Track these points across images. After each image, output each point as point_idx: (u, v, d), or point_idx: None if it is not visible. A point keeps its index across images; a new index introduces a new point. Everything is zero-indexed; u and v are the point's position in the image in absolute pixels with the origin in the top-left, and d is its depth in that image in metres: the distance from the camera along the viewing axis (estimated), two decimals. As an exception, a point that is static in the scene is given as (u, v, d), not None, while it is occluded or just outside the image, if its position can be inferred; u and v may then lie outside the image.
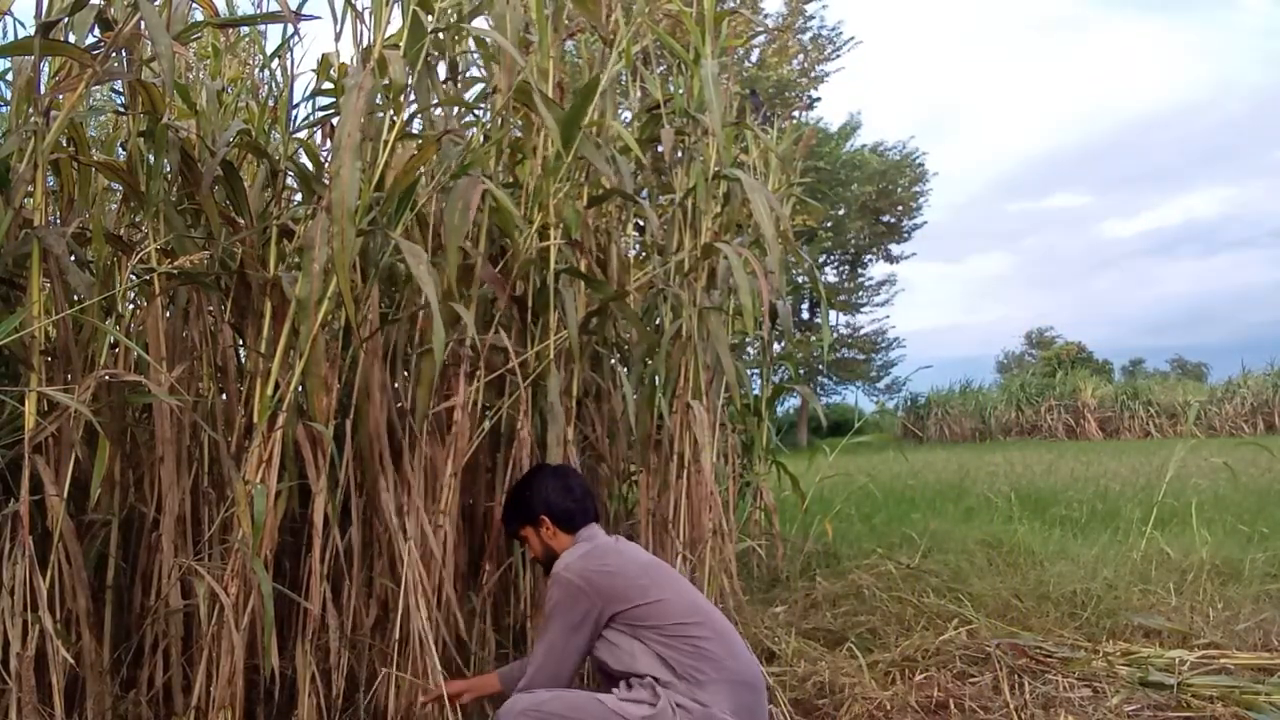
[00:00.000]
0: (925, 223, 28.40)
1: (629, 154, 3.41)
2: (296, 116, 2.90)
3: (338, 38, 2.54)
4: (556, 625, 2.18)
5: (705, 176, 3.56)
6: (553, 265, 2.97)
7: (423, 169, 2.62)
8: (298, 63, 2.81)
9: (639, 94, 3.94)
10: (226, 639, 2.15)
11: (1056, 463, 11.81)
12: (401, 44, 2.42)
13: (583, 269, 3.16)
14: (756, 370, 5.25)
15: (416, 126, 2.84)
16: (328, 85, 2.92)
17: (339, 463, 2.43)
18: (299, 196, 2.89)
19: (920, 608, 3.74)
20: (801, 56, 24.30)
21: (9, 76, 2.47)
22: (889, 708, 2.81)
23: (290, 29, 2.59)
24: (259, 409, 2.27)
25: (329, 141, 2.92)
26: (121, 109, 2.63)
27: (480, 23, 2.92)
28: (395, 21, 2.47)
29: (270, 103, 2.95)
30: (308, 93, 2.99)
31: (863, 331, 28.54)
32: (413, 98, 2.57)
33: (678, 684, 2.08)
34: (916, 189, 27.21)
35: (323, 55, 2.82)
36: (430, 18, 2.53)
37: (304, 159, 2.88)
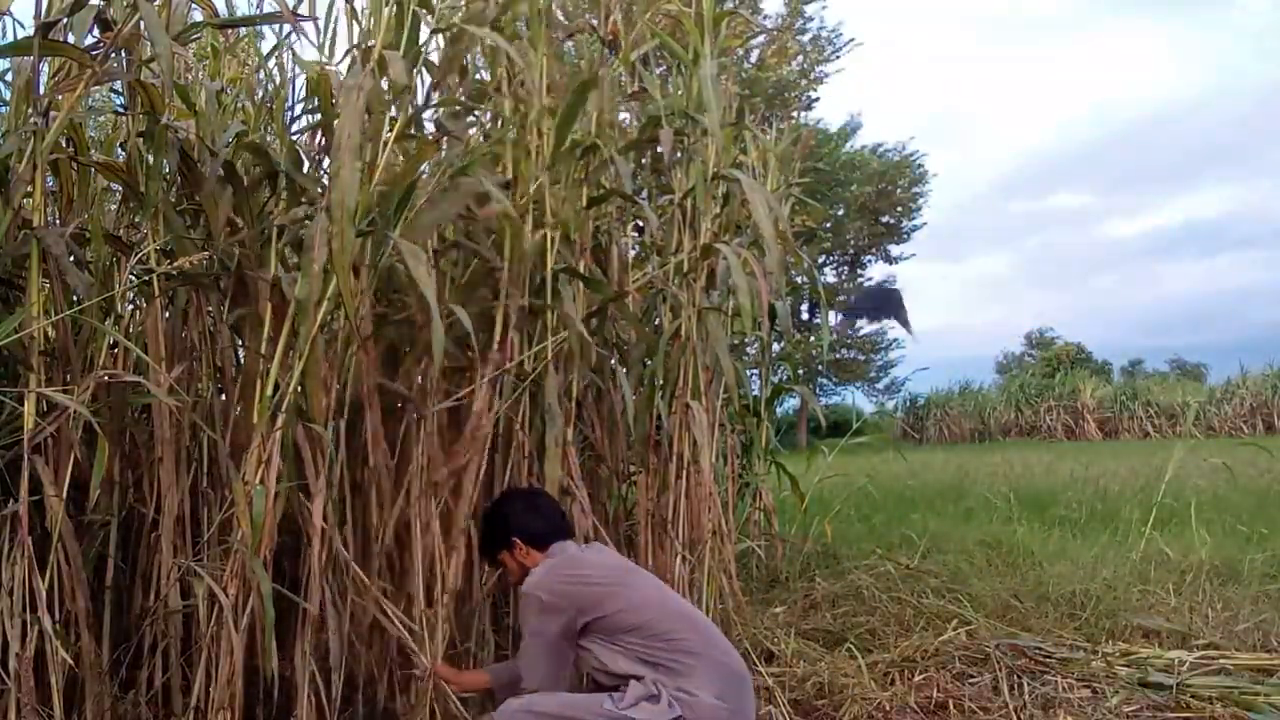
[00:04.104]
0: (924, 224, 28.33)
1: (630, 154, 3.40)
2: (292, 118, 2.90)
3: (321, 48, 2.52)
4: (534, 639, 2.23)
5: (704, 177, 3.56)
6: (550, 265, 2.97)
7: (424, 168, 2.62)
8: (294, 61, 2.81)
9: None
10: (226, 639, 2.15)
11: (1056, 463, 11.79)
12: (401, 45, 2.42)
13: (582, 269, 3.15)
14: (756, 370, 5.25)
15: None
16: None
17: (338, 463, 2.43)
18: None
19: (920, 608, 3.74)
20: (801, 57, 24.27)
21: (9, 76, 2.48)
22: (888, 708, 2.81)
23: (288, 29, 2.59)
24: (258, 409, 2.27)
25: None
26: (121, 109, 2.63)
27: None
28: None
29: (268, 103, 2.95)
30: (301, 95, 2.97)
31: (862, 332, 28.55)
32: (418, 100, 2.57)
33: (663, 679, 2.10)
34: (916, 190, 27.19)
35: (310, 69, 2.78)
36: (430, 18, 2.53)
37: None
